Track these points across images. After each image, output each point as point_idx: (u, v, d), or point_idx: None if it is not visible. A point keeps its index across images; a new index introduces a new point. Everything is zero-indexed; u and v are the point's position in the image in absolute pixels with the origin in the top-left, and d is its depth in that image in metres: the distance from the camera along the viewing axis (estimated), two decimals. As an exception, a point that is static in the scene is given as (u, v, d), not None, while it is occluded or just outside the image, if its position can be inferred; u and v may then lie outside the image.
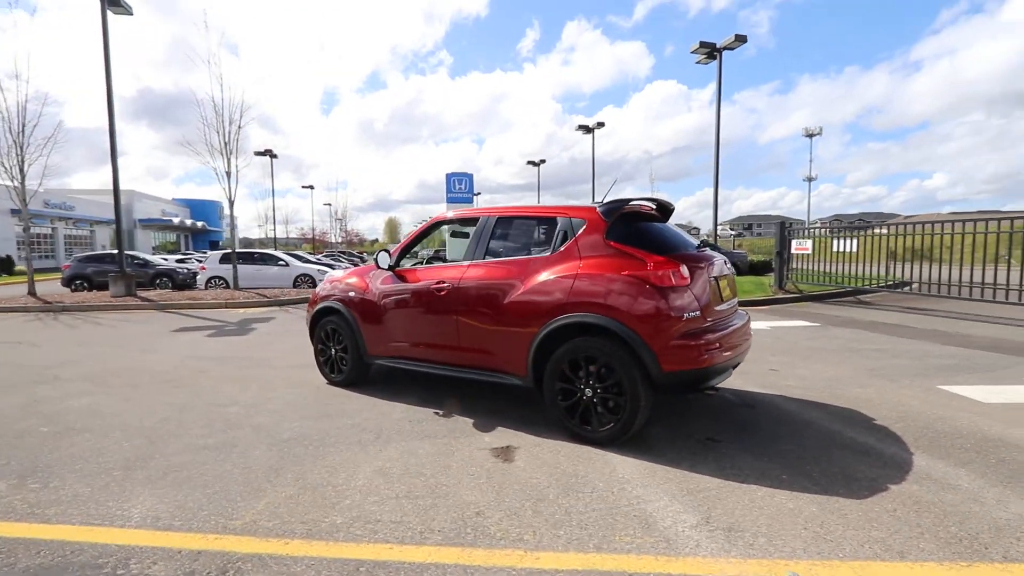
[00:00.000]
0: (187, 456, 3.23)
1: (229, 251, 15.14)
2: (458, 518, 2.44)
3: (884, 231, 11.54)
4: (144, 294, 13.24)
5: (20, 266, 27.98)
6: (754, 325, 4.03)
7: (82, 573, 2.05)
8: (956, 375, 4.97)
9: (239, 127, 13.52)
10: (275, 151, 34.86)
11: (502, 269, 3.78)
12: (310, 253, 31.51)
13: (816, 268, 12.41)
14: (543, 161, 38.70)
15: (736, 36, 16.04)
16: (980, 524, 2.34)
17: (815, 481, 2.79)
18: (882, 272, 11.68)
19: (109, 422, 3.90)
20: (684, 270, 3.24)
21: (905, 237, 10.69)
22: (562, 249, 3.58)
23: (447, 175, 22.75)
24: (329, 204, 59.04)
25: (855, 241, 11.70)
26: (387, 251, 4.54)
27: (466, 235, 6.36)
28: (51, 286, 17.39)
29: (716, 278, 3.57)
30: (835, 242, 12.16)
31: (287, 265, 15.98)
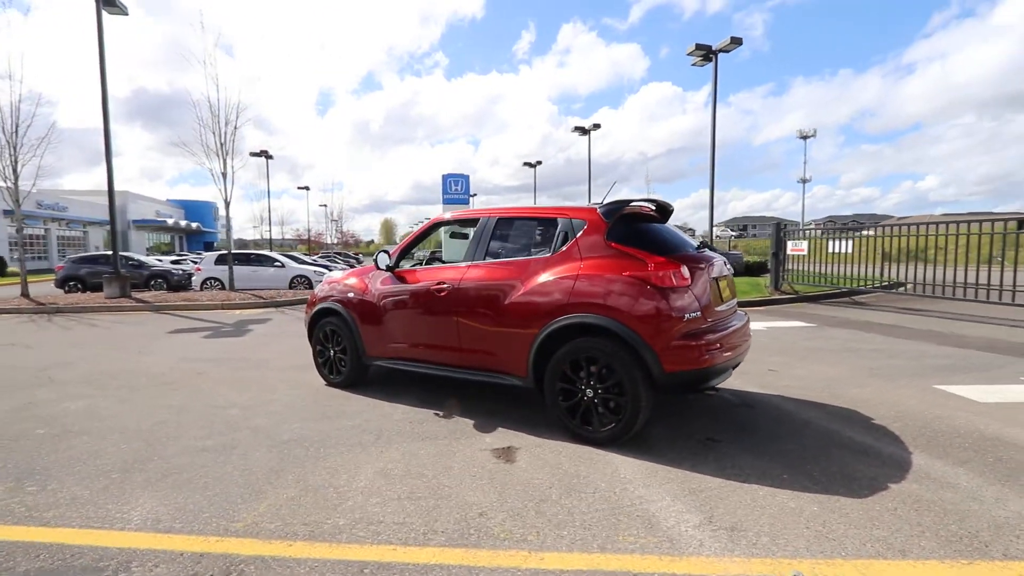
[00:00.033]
0: (186, 458, 3.21)
1: (225, 252, 15.07)
2: (461, 519, 2.43)
3: (874, 232, 11.62)
4: (139, 295, 13.15)
5: (13, 267, 27.73)
6: (751, 326, 4.04)
7: (83, 576, 2.03)
8: (952, 375, 5.01)
9: (235, 128, 13.48)
10: (270, 152, 34.73)
11: (503, 270, 3.79)
12: (305, 254, 31.40)
13: (811, 269, 12.48)
14: (539, 162, 38.73)
15: (732, 38, 16.10)
16: (980, 522, 2.35)
17: (815, 480, 2.80)
18: (877, 273, 11.77)
19: (106, 424, 3.87)
20: (685, 271, 3.25)
21: (899, 238, 10.78)
22: (563, 250, 3.58)
23: (443, 176, 22.70)
24: (325, 205, 58.92)
25: (850, 242, 11.77)
26: (386, 252, 4.53)
27: (465, 236, 6.36)
28: (44, 287, 17.24)
29: (716, 279, 3.58)
30: (830, 243, 12.23)
31: (283, 266, 15.91)
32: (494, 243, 3.99)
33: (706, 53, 16.67)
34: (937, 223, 9.97)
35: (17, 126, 12.05)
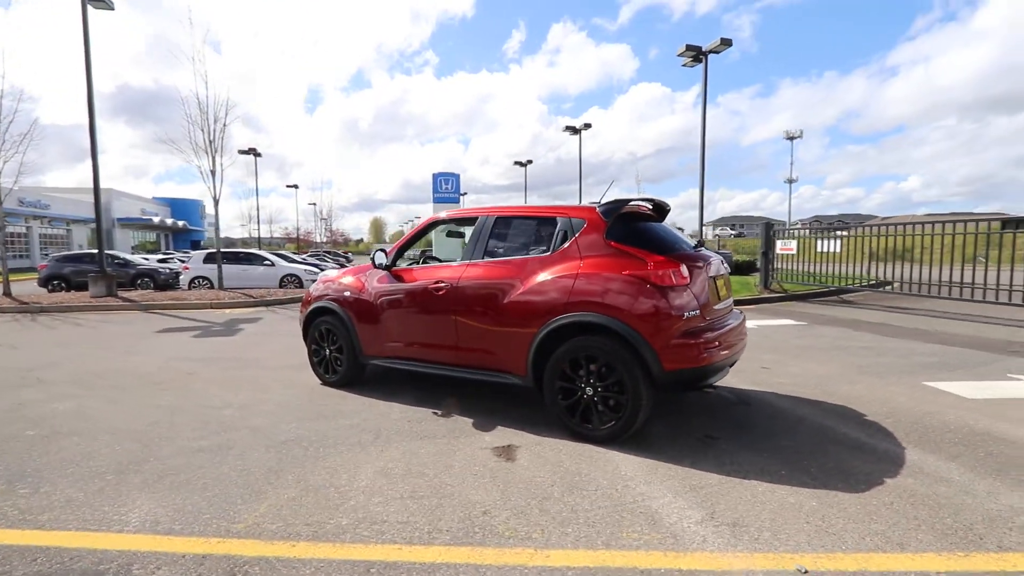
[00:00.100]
0: (182, 459, 3.17)
1: (213, 251, 14.88)
2: (465, 517, 2.43)
3: (861, 232, 11.80)
4: (125, 294, 12.94)
5: (-8, 266, 27.08)
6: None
7: (82, 580, 2.00)
8: (940, 372, 5.11)
9: (224, 125, 13.30)
10: (258, 150, 34.33)
11: (501, 269, 3.78)
12: (295, 253, 31.11)
13: (799, 268, 12.65)
14: (530, 162, 38.73)
15: (722, 40, 16.23)
16: (973, 515, 2.41)
17: (813, 476, 2.84)
18: (863, 272, 11.96)
19: (97, 425, 3.80)
20: (684, 270, 3.27)
21: (886, 238, 10.96)
22: (562, 249, 3.59)
23: (434, 175, 22.65)
24: (314, 204, 58.47)
25: (838, 242, 11.95)
26: (383, 250, 4.51)
27: (460, 235, 6.36)
28: (27, 286, 16.88)
29: (713, 277, 3.61)
30: (819, 243, 12.40)
31: (273, 265, 15.75)
32: (492, 242, 3.99)
33: (696, 54, 16.78)
34: (923, 223, 10.17)
35: (-2, 122, 11.78)
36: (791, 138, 56.98)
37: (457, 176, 23.27)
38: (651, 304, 3.18)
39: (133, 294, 13.30)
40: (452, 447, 3.32)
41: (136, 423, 3.84)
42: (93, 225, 37.31)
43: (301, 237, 56.29)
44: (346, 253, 49.12)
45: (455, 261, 4.28)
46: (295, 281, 15.38)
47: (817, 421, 3.73)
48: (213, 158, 13.24)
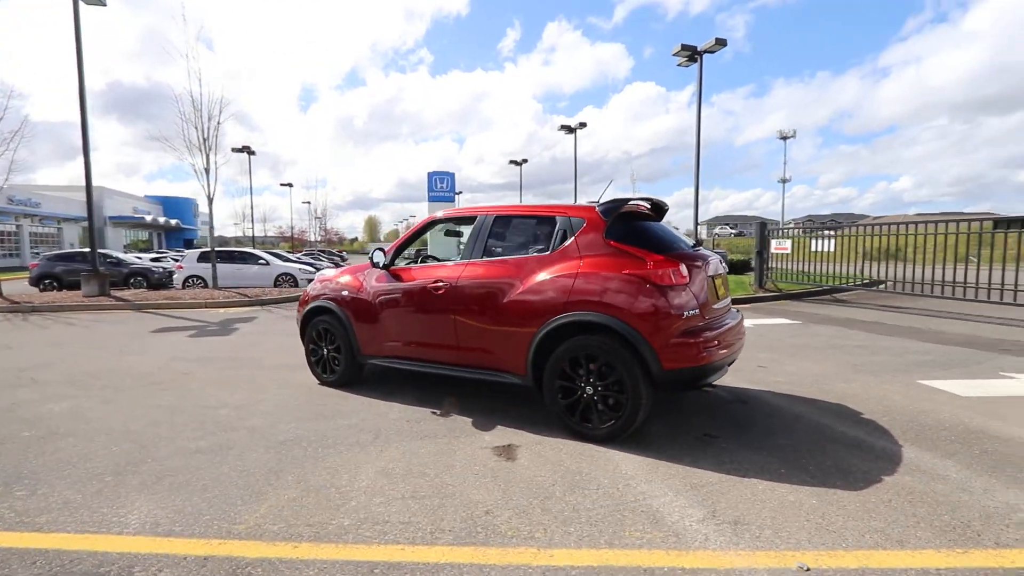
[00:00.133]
0: (180, 460, 3.15)
1: (207, 249, 14.78)
2: (467, 517, 2.43)
3: (854, 232, 11.89)
4: (118, 294, 12.82)
5: (-18, 265, 26.82)
6: (744, 323, 4.10)
7: (83, 582, 1.98)
8: (934, 370, 5.16)
9: (218, 123, 13.20)
10: (252, 148, 34.09)
11: (501, 268, 3.78)
12: (288, 252, 30.94)
13: (793, 267, 12.74)
14: (525, 160, 38.72)
15: (716, 40, 16.28)
16: (971, 512, 2.43)
17: (812, 474, 2.86)
18: (856, 271, 12.07)
19: (94, 426, 3.77)
20: (683, 269, 3.29)
21: (880, 238, 11.06)
22: (562, 248, 3.59)
23: (429, 174, 22.60)
24: (308, 202, 58.15)
25: (832, 241, 12.04)
26: (382, 249, 4.50)
27: (458, 234, 6.35)
28: (17, 285, 16.72)
29: (712, 277, 3.63)
30: (813, 242, 12.49)
31: (268, 264, 15.66)
32: (492, 241, 3.99)
33: (691, 54, 16.83)
34: (916, 223, 10.26)
35: (-12, 119, 11.64)
36: (784, 138, 57.37)
37: (452, 175, 23.22)
38: (651, 303, 3.19)
39: (126, 293, 13.19)
40: (452, 447, 3.32)
41: (133, 424, 3.82)
42: (84, 223, 36.96)
43: (295, 236, 56.01)
44: (341, 252, 48.93)
45: (454, 260, 4.28)
46: (290, 280, 15.30)
47: (814, 419, 3.75)
48: (207, 156, 13.16)
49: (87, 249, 13.68)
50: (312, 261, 21.97)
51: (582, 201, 4.28)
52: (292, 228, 55.45)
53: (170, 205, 54.94)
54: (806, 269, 12.53)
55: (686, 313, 3.22)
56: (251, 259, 15.86)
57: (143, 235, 49.46)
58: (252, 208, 36.76)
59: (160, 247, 47.62)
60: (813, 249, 12.37)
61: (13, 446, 3.40)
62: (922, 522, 2.35)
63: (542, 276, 3.56)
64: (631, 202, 3.76)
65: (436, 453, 3.22)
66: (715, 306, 3.57)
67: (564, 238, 3.62)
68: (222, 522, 2.41)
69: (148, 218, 47.52)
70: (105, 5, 12.13)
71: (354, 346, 4.57)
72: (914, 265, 10.12)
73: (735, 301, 11.09)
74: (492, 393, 4.41)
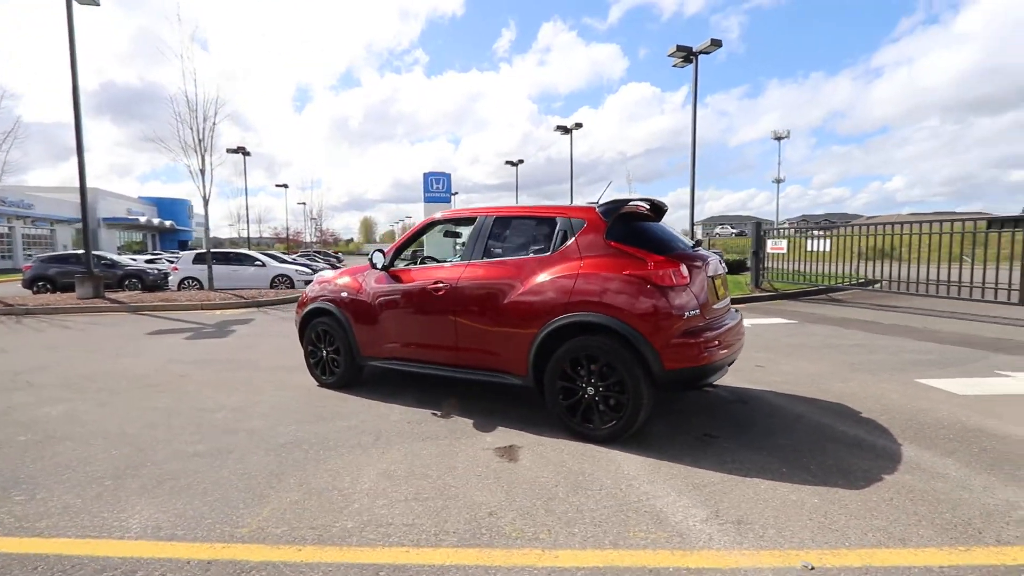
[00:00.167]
0: (180, 463, 3.13)
1: (203, 251, 14.70)
2: (471, 519, 2.43)
3: (849, 232, 11.97)
4: (113, 296, 12.74)
5: (-27, 267, 26.57)
6: (743, 323, 4.11)
7: (85, 587, 1.96)
8: (931, 369, 5.20)
9: (214, 123, 13.14)
10: (247, 148, 33.94)
11: (501, 269, 3.78)
12: (284, 252, 30.82)
13: (789, 267, 12.80)
14: (521, 161, 38.71)
15: (712, 40, 16.34)
16: (971, 510, 2.45)
17: (813, 474, 2.88)
18: (851, 271, 12.15)
19: (91, 429, 3.74)
20: (684, 269, 3.30)
21: (874, 237, 11.14)
22: (562, 249, 3.60)
23: (424, 174, 22.52)
24: (304, 203, 57.91)
25: (828, 241, 12.11)
26: (381, 251, 4.49)
27: (456, 234, 6.34)
28: (10, 288, 16.57)
29: (712, 277, 3.64)
30: (809, 242, 12.56)
31: (264, 265, 15.59)
32: (492, 242, 3.99)
33: (687, 54, 16.89)
34: (910, 222, 10.34)
35: (-20, 120, 11.54)
36: (779, 138, 57.62)
37: (448, 175, 23.15)
38: (652, 304, 3.20)
39: (121, 295, 13.10)
40: (454, 448, 3.32)
41: (131, 427, 3.79)
42: (77, 225, 36.70)
43: (291, 237, 55.79)
44: (336, 253, 48.76)
45: (453, 261, 4.28)
46: (286, 281, 15.24)
47: (814, 419, 3.77)
48: (203, 157, 13.09)
49: (81, 251, 13.58)
50: (308, 262, 21.89)
51: (578, 202, 4.28)
52: (287, 229, 55.25)
53: (164, 206, 54.60)
54: (801, 269, 12.60)
55: (687, 313, 3.23)
56: (247, 260, 15.79)
57: (137, 237, 49.14)
58: (248, 209, 36.65)
59: (154, 249, 47.31)
60: (808, 249, 12.44)
61: (10, 450, 3.36)
62: (924, 520, 2.36)
63: (543, 277, 3.56)
64: (631, 203, 3.77)
65: (438, 455, 3.21)
66: (715, 306, 3.58)
67: (564, 239, 3.63)
68: (224, 525, 2.40)
69: (142, 219, 47.20)
70: (99, 4, 12.06)
71: (353, 347, 4.56)
72: (909, 264, 10.20)
73: (732, 301, 11.15)
74: (492, 394, 4.41)
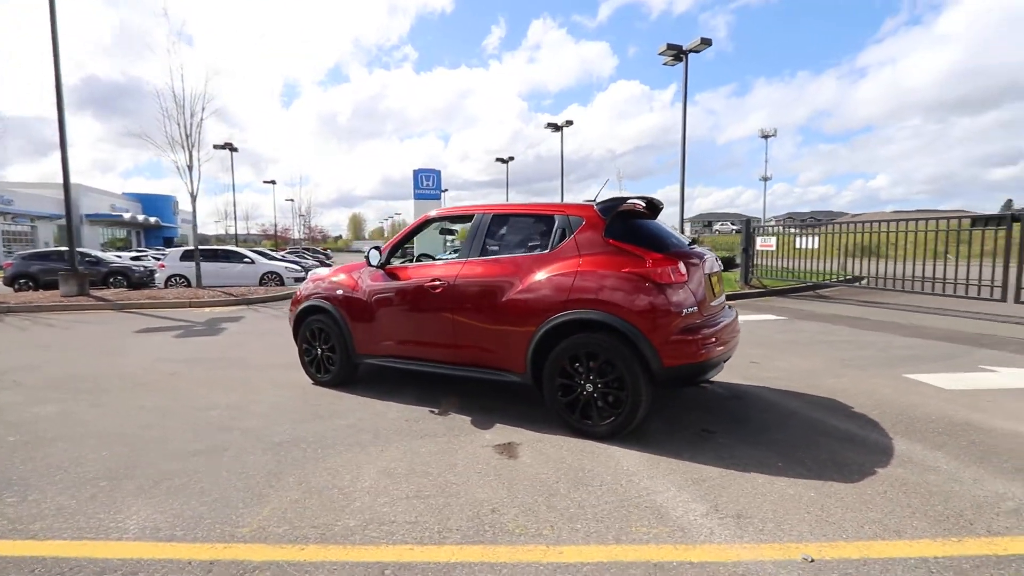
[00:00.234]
0: (176, 463, 3.09)
1: (191, 248, 14.49)
2: (474, 516, 2.44)
3: (836, 229, 12.14)
4: (98, 293, 12.51)
5: (-49, 264, 25.88)
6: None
7: (85, 590, 1.94)
8: (919, 364, 5.30)
9: (201, 119, 12.94)
10: (234, 144, 33.47)
11: (499, 266, 3.78)
12: (272, 249, 30.48)
13: (777, 264, 12.96)
14: (511, 158, 38.67)
15: (702, 39, 16.45)
16: (962, 502, 2.51)
17: (808, 468, 2.92)
18: (837, 268, 12.34)
19: (83, 430, 3.68)
20: (682, 267, 3.32)
21: (861, 235, 11.32)
22: (560, 247, 3.61)
23: (414, 171, 22.37)
24: (292, 200, 57.25)
25: (816, 239, 12.27)
26: (377, 248, 4.46)
27: (452, 232, 6.32)
28: (-10, 286, 16.19)
29: (708, 275, 3.67)
30: (797, 239, 12.72)
31: (253, 262, 15.42)
32: (489, 240, 3.98)
33: (677, 53, 16.98)
34: (896, 220, 10.51)
35: (-41, 113, 11.24)
36: (766, 136, 58.19)
37: (438, 172, 23.01)
38: (651, 301, 3.22)
39: (106, 293, 12.87)
40: (453, 445, 3.32)
41: (124, 427, 3.73)
42: (59, 221, 35.96)
43: (279, 234, 55.19)
44: (326, 250, 48.33)
45: (448, 258, 4.26)
46: (276, 279, 15.10)
47: (807, 414, 3.83)
48: (190, 153, 12.89)
49: (63, 248, 13.32)
50: (297, 259, 21.70)
51: (568, 199, 4.30)
52: (275, 226, 54.63)
53: (149, 203, 53.67)
54: (789, 266, 12.76)
55: (685, 310, 3.26)
56: (235, 257, 15.61)
57: (121, 233, 48.23)
58: (235, 205, 36.18)
59: (139, 245, 46.49)
60: (797, 246, 12.60)
61: (-1, 451, 3.30)
62: (917, 512, 2.42)
63: (541, 274, 3.57)
64: (629, 200, 3.79)
65: (437, 452, 3.21)
66: (712, 303, 3.61)
67: (563, 236, 3.64)
68: (224, 525, 2.38)
69: (126, 216, 46.34)
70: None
71: (349, 345, 4.53)
72: (895, 262, 10.37)
73: (722, 298, 11.27)
74: (489, 392, 4.42)
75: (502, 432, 3.54)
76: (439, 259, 4.63)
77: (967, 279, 9.08)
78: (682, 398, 4.22)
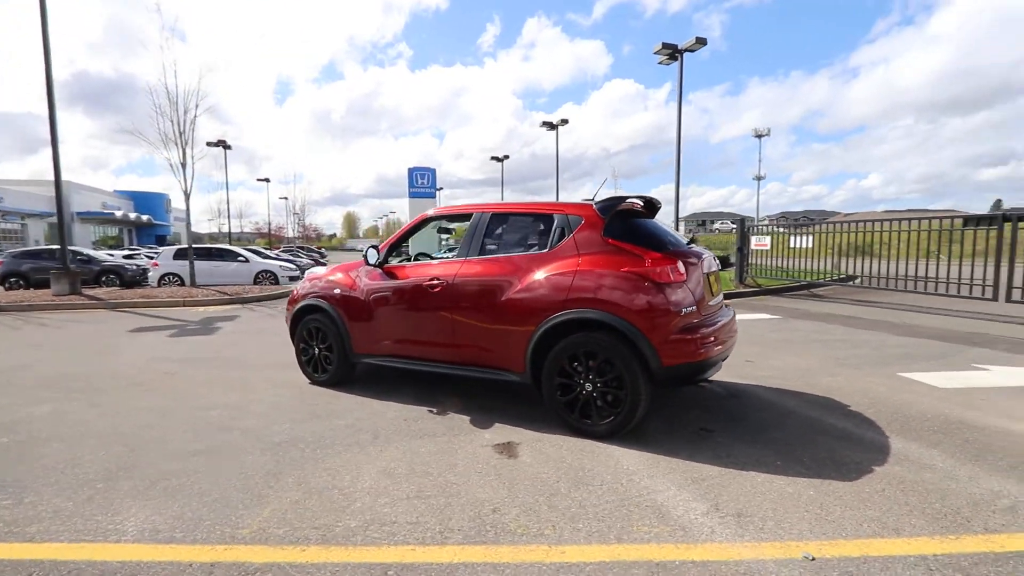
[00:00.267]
0: (174, 464, 3.07)
1: (184, 246, 14.38)
2: (475, 516, 2.43)
3: (830, 228, 12.23)
4: (90, 292, 12.39)
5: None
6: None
7: (84, 592, 1.92)
8: (912, 363, 5.35)
9: (195, 116, 12.83)
10: (227, 142, 33.19)
11: (498, 265, 3.78)
12: (266, 248, 30.29)
13: (771, 263, 13.04)
14: (507, 157, 38.61)
15: (697, 39, 16.47)
16: (959, 500, 2.54)
17: (807, 466, 2.94)
18: (830, 267, 12.43)
19: (79, 430, 3.64)
20: (681, 266, 3.33)
21: (854, 234, 11.40)
22: (559, 246, 3.61)
23: (409, 169, 22.28)
24: (285, 198, 56.85)
25: (811, 238, 12.36)
26: (375, 247, 4.44)
27: (448, 231, 6.31)
28: (-21, 284, 15.96)
29: (707, 274, 3.68)
30: (792, 239, 12.80)
31: (247, 261, 15.32)
32: (488, 239, 3.98)
33: (672, 52, 17.00)
34: (889, 220, 10.59)
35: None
36: (759, 136, 58.37)
37: (433, 170, 22.95)
38: (650, 300, 3.23)
39: (99, 292, 12.75)
40: (453, 445, 3.31)
41: (120, 427, 3.70)
42: (50, 219, 35.55)
43: (273, 232, 54.84)
44: (320, 249, 48.10)
45: (444, 257, 4.25)
46: (271, 277, 15.02)
47: (804, 412, 3.86)
48: (183, 150, 12.78)
49: (55, 246, 13.17)
50: (291, 258, 21.60)
51: (564, 197, 4.31)
52: (269, 224, 54.28)
53: (141, 200, 53.14)
54: (783, 265, 12.84)
55: (684, 310, 3.27)
56: (229, 256, 15.50)
57: (112, 231, 47.75)
58: (229, 203, 35.90)
59: (131, 243, 46.03)
60: (791, 245, 12.68)
61: (-7, 453, 3.26)
62: (915, 510, 2.44)
63: (540, 274, 3.57)
64: (628, 200, 3.79)
65: (437, 452, 3.21)
66: (710, 303, 3.63)
67: (562, 236, 3.64)
68: (225, 527, 2.36)
69: (118, 214, 45.87)
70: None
71: (347, 345, 4.51)
72: (888, 261, 10.46)
73: (717, 297, 11.33)
74: (488, 391, 4.42)
75: (501, 432, 3.54)
76: (437, 258, 4.63)
77: (959, 278, 9.17)
78: (680, 397, 4.24)
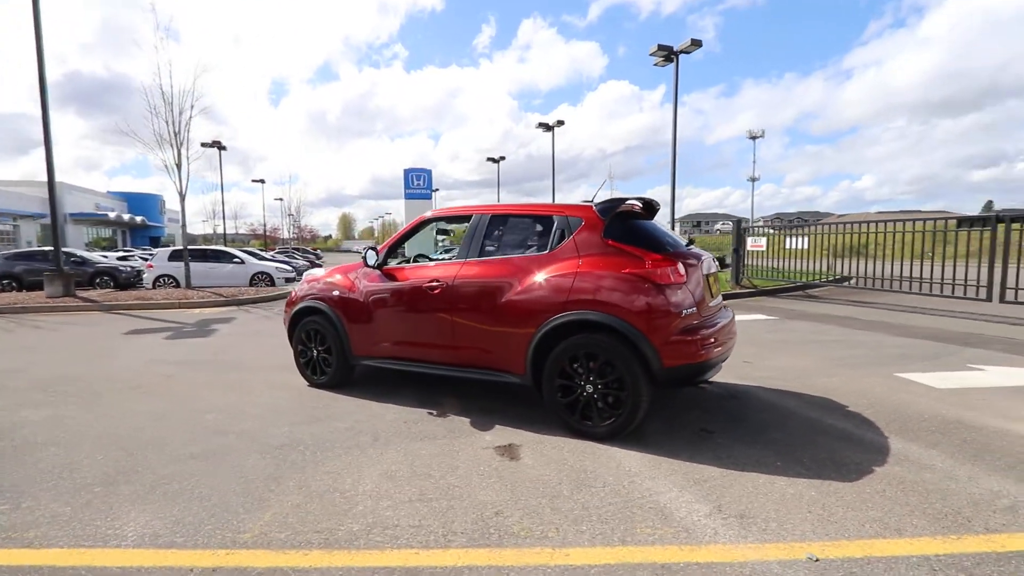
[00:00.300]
0: (173, 467, 3.05)
1: (179, 247, 14.30)
2: (478, 518, 2.43)
3: (825, 229, 12.30)
4: (85, 294, 12.30)
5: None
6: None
7: (85, 599, 1.90)
8: (909, 363, 5.38)
9: (190, 117, 12.76)
10: (222, 143, 33.02)
11: (498, 267, 3.77)
12: (262, 249, 30.16)
13: (766, 264, 13.11)
14: (503, 158, 38.61)
15: (692, 40, 16.53)
16: (959, 500, 2.55)
17: (807, 467, 2.95)
18: (825, 268, 12.50)
19: (76, 434, 3.61)
20: (681, 267, 3.34)
21: (850, 235, 11.47)
22: (560, 247, 3.61)
23: (405, 171, 22.30)
24: (281, 199, 56.72)
25: (806, 239, 12.42)
26: (374, 249, 4.43)
27: (447, 232, 6.31)
28: (-29, 287, 15.80)
29: (706, 275, 3.69)
30: (787, 240, 12.86)
31: (243, 262, 15.25)
32: (488, 241, 3.97)
33: (668, 54, 17.06)
34: (884, 221, 10.67)
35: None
36: (754, 137, 58.65)
37: (429, 172, 22.97)
38: (650, 302, 3.23)
39: (93, 294, 12.66)
40: (453, 447, 3.30)
41: (118, 430, 3.67)
42: (42, 221, 35.25)
43: (268, 233, 54.63)
44: (315, 250, 47.92)
45: (448, 259, 4.24)
46: (267, 279, 14.95)
47: (804, 413, 3.87)
48: (178, 151, 12.71)
49: (48, 247, 13.06)
50: (287, 259, 21.51)
51: (560, 199, 4.32)
52: (264, 225, 54.05)
53: (135, 201, 52.76)
54: (779, 266, 12.90)
55: (684, 311, 3.28)
56: (225, 257, 15.43)
57: (106, 233, 47.38)
58: (224, 205, 35.74)
59: (125, 245, 45.73)
60: (787, 246, 12.74)
61: (-11, 457, 3.23)
62: (916, 510, 2.45)
63: (541, 275, 3.57)
64: (627, 201, 3.80)
65: (438, 454, 3.20)
66: (710, 304, 3.64)
67: (562, 237, 3.64)
68: (226, 531, 2.35)
69: (112, 215, 45.50)
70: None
71: (346, 347, 4.50)
72: (883, 262, 10.54)
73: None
74: (487, 392, 4.41)
75: (502, 433, 3.53)
76: (435, 259, 4.62)
77: (953, 279, 9.24)
78: (680, 398, 4.24)
